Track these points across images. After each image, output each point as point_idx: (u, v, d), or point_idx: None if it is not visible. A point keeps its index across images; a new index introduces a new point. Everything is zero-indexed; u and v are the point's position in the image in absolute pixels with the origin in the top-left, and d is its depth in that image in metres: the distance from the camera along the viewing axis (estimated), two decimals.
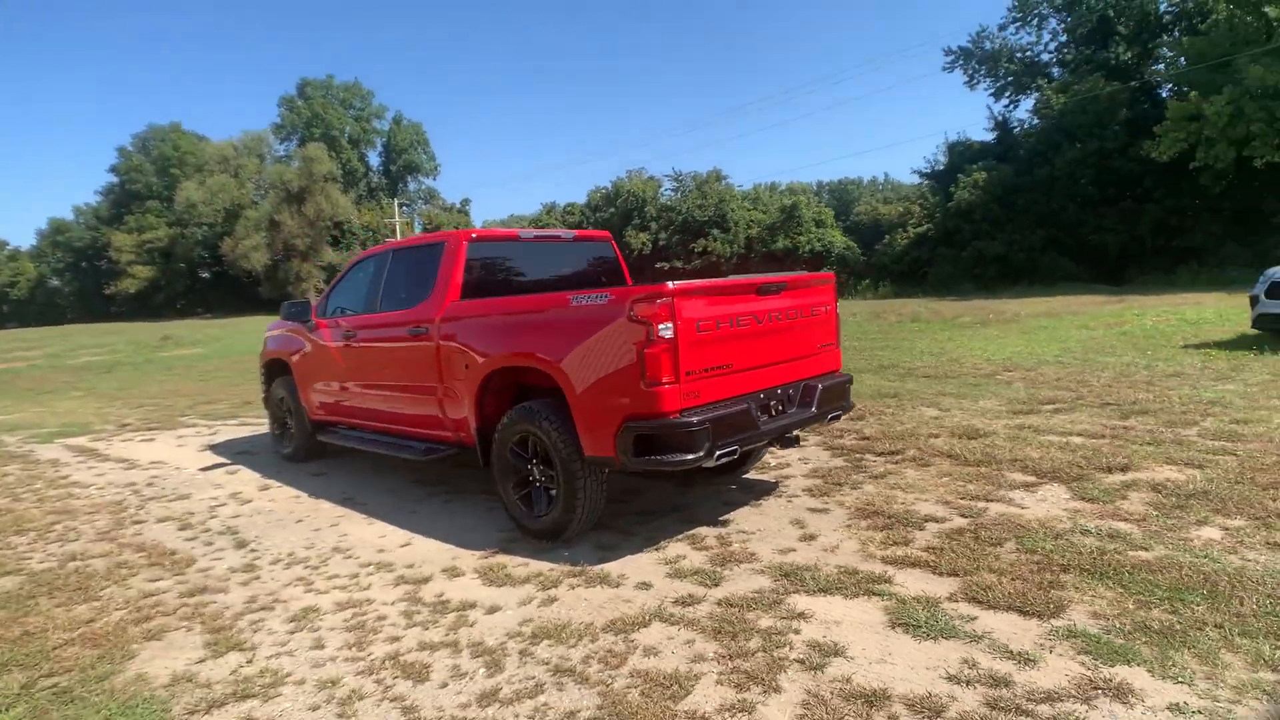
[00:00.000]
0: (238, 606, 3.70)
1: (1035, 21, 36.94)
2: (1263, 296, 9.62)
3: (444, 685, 2.83)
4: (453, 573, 3.96)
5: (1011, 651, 2.78)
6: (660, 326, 3.65)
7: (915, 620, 3.05)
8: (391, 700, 2.74)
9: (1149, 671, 2.60)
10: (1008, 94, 38.48)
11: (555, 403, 4.24)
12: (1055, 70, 36.38)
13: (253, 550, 4.54)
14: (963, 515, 4.29)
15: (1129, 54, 32.81)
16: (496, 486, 4.60)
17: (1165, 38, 32.25)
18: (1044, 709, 2.42)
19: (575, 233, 5.97)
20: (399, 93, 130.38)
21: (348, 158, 57.18)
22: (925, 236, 34.95)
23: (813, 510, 4.59)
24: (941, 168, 39.85)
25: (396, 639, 3.24)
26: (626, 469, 3.92)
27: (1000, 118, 38.63)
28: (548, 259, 5.65)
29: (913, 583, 3.45)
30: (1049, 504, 4.39)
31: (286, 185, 48.44)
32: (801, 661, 2.81)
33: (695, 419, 3.72)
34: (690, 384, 3.76)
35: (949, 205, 34.26)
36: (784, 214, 39.47)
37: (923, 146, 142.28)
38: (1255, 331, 10.06)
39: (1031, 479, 4.87)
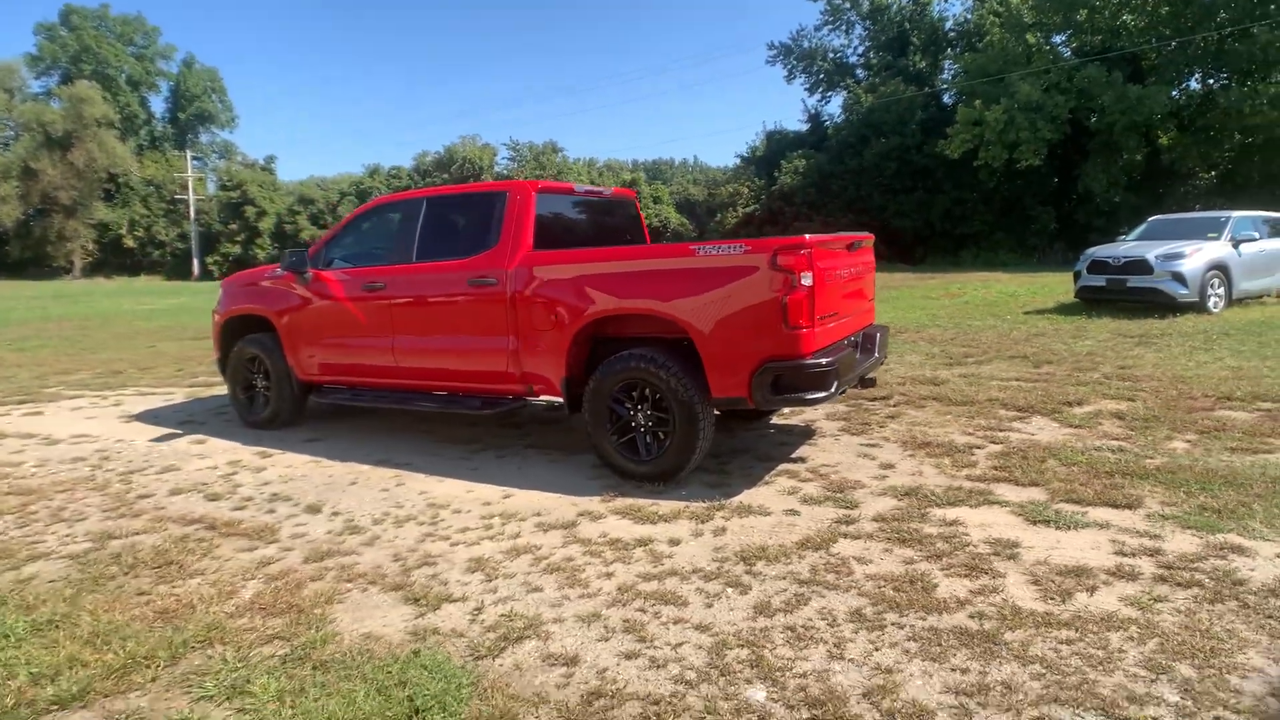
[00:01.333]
0: (390, 565, 3.49)
1: (845, 27, 40.58)
2: (1084, 272, 11.80)
3: (709, 605, 2.98)
4: (592, 516, 4.00)
5: (1139, 532, 3.49)
6: (802, 275, 3.95)
7: (1047, 518, 3.69)
8: (675, 622, 2.85)
9: (1240, 535, 3.41)
10: (820, 90, 42.05)
11: (668, 348, 4.39)
12: (860, 72, 40.36)
13: (335, 513, 4.20)
14: (993, 442, 5.07)
15: (923, 63, 37.30)
16: (591, 435, 4.63)
17: (950, 52, 37.16)
18: (1204, 565, 3.13)
19: (612, 190, 6.02)
20: (191, 33, 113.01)
21: (126, 101, 48.91)
22: (753, 216, 37.38)
23: (867, 445, 5.15)
24: (761, 154, 42.93)
25: (608, 575, 3.30)
26: (759, 407, 4.21)
27: (813, 111, 42.17)
28: (589, 213, 5.66)
29: (1010, 493, 4.10)
30: (1048, 431, 5.31)
31: (47, 128, 40.51)
32: (995, 554, 3.32)
33: (825, 360, 4.09)
34: (818, 328, 4.11)
35: (773, 189, 37.03)
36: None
37: (741, 133, 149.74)
38: (1076, 300, 12.31)
39: (1015, 413, 5.81)
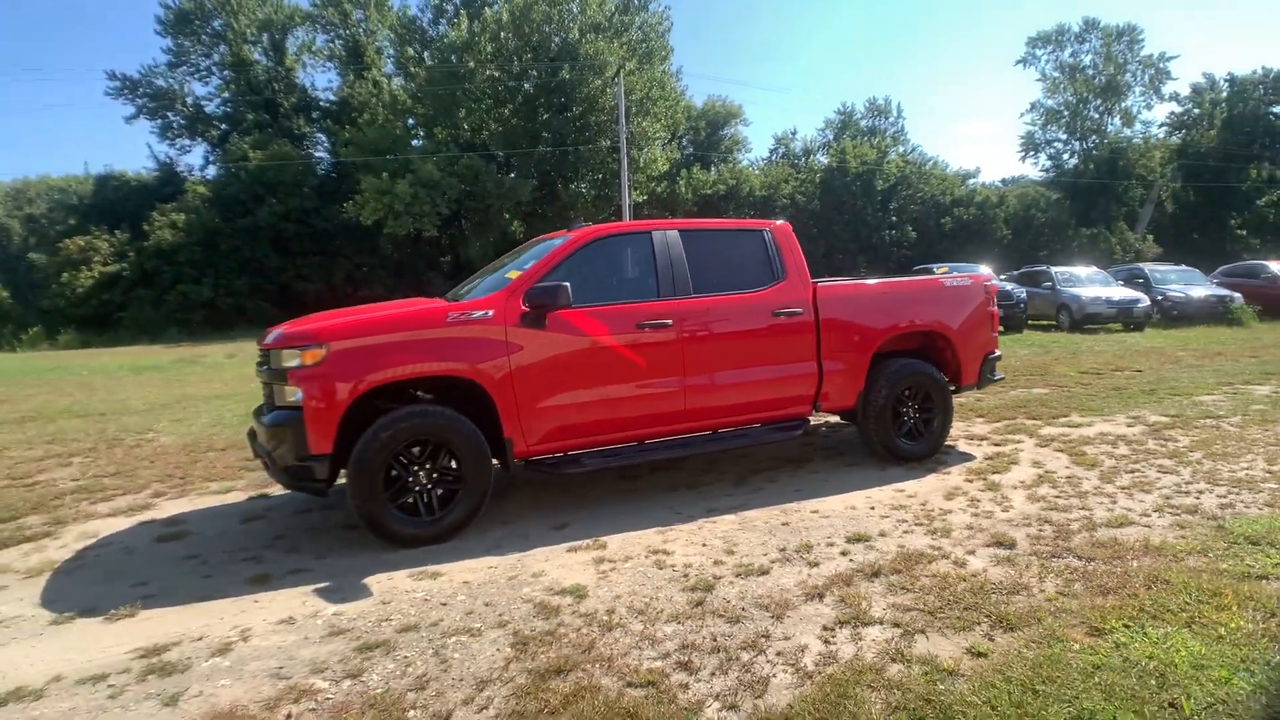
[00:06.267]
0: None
1: (201, 74, 36.47)
2: None
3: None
4: (974, 480, 4.91)
5: None
6: (995, 296, 6.16)
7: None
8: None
9: None
10: (176, 137, 36.80)
11: (924, 355, 5.74)
12: (225, 126, 36.75)
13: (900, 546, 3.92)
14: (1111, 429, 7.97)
15: (307, 127, 36.83)
16: (878, 436, 5.35)
17: (328, 122, 37.48)
18: None
19: None
20: None
21: None
22: (119, 277, 30.42)
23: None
24: (90, 201, 35.41)
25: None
26: (979, 388, 6.00)
27: (168, 159, 36.76)
28: None
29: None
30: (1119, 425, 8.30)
31: None
32: None
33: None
34: None
35: (146, 245, 30.95)
36: None
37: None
38: None
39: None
